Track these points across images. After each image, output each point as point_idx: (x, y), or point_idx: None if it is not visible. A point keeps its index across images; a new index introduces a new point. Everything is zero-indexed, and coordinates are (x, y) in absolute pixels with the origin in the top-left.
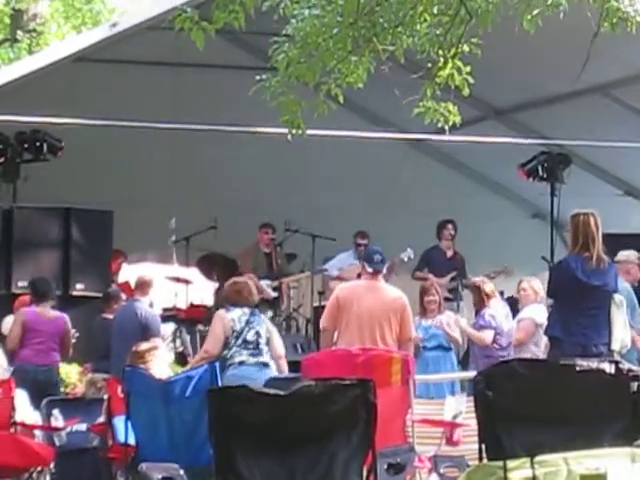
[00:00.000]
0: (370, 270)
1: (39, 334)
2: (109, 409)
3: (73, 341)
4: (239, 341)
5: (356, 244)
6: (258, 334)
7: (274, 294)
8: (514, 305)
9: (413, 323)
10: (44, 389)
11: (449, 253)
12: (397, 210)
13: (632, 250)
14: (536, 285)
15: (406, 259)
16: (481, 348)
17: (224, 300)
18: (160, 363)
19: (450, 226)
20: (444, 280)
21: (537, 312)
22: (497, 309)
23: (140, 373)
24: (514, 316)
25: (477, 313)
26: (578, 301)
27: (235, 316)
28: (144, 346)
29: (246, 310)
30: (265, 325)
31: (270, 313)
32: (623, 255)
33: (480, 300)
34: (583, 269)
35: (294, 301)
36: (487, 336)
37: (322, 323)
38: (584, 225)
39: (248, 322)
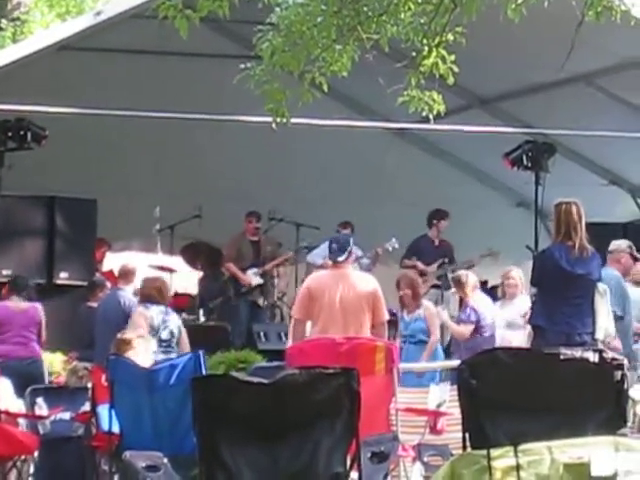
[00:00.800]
0: (339, 259)
1: (12, 327)
2: (93, 397)
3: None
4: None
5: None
6: (172, 333)
7: (260, 281)
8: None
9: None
10: (31, 381)
11: (437, 241)
12: (382, 199)
13: (624, 240)
14: (519, 276)
15: (391, 249)
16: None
17: (144, 297)
18: (144, 351)
19: (444, 219)
20: (432, 268)
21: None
22: (480, 301)
23: (124, 362)
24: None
25: (460, 306)
26: (562, 290)
27: (154, 314)
28: (129, 334)
29: (162, 309)
30: (177, 324)
31: (262, 300)
32: (614, 244)
33: (463, 295)
34: (567, 258)
35: (277, 290)
36: (465, 330)
37: (294, 314)
38: (567, 214)
39: (164, 321)
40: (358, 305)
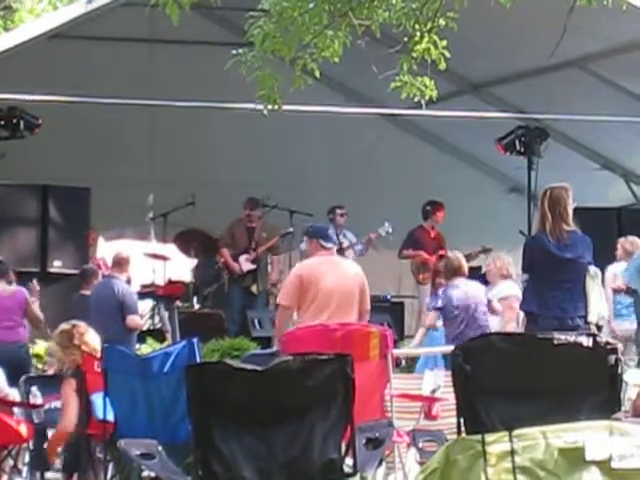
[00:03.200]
0: (329, 245)
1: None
2: (86, 386)
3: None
4: None
5: (337, 216)
6: None
7: (251, 266)
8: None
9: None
10: (18, 366)
11: (432, 233)
12: (374, 185)
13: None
14: (499, 262)
15: (384, 233)
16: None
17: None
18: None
19: (442, 210)
20: (432, 259)
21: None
22: (462, 287)
23: (118, 349)
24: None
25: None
26: (553, 275)
27: None
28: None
29: None
30: None
31: (256, 288)
32: None
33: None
34: (556, 243)
35: (271, 278)
36: (429, 318)
37: (283, 301)
38: (556, 199)
39: None
40: (350, 292)
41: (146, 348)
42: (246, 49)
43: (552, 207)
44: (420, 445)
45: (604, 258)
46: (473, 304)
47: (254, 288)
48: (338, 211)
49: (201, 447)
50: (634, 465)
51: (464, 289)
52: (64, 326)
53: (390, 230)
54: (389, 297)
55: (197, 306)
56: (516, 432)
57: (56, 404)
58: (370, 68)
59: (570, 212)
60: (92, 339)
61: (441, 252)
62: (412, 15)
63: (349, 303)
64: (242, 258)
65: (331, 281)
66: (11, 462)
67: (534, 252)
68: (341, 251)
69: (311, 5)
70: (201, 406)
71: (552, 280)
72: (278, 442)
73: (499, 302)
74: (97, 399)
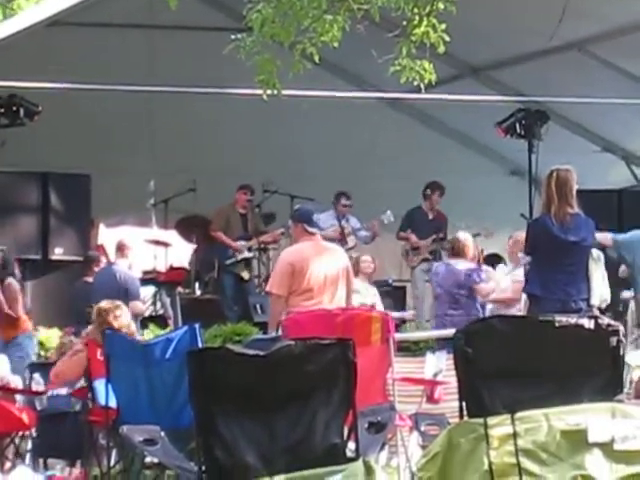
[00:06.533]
0: (312, 230)
1: None
2: (89, 372)
3: None
4: None
5: (340, 205)
6: None
7: (249, 254)
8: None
9: None
10: None
11: (431, 214)
12: (375, 169)
13: None
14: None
15: (386, 221)
16: None
17: None
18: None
19: (439, 192)
20: (425, 242)
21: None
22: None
23: (120, 336)
24: None
25: None
26: (556, 257)
27: None
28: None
29: None
30: None
31: (248, 274)
32: None
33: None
34: (559, 226)
35: (273, 262)
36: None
37: (274, 289)
38: (563, 181)
39: None
40: (337, 275)
41: (148, 334)
42: (245, 34)
43: (559, 189)
44: (422, 429)
45: None
46: (455, 286)
47: (245, 274)
48: (342, 201)
49: (203, 433)
50: (636, 447)
51: (452, 269)
52: (104, 304)
53: (392, 219)
54: (390, 281)
55: (199, 292)
56: (518, 415)
57: (58, 391)
58: (370, 52)
59: (574, 195)
60: (125, 317)
61: (435, 235)
62: None
63: (337, 287)
64: (239, 244)
65: (320, 266)
66: (14, 449)
67: (537, 234)
68: (343, 235)
69: None
70: (203, 391)
71: (555, 263)
72: (280, 427)
73: (514, 284)
74: (100, 385)
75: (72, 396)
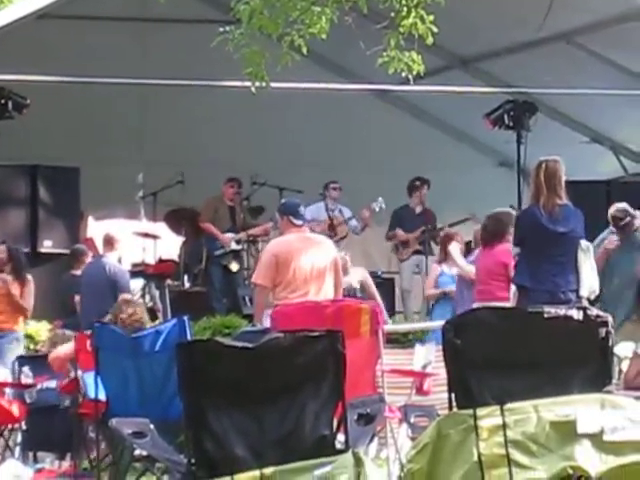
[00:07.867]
0: (298, 222)
1: None
2: (78, 365)
3: None
4: None
5: (329, 191)
6: None
7: (237, 247)
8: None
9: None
10: None
11: (418, 209)
12: (363, 161)
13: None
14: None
15: (377, 209)
16: None
17: None
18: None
19: (425, 187)
20: (414, 235)
21: None
22: None
23: (109, 328)
24: None
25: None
26: (544, 249)
27: None
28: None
29: None
30: None
31: (236, 266)
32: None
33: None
34: (548, 216)
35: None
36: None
37: (259, 280)
38: (552, 171)
39: None
40: (324, 267)
41: None
42: (234, 27)
43: (548, 180)
44: (412, 420)
45: (593, 231)
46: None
47: (233, 266)
48: (331, 185)
49: (193, 425)
50: (625, 437)
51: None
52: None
53: (383, 206)
54: (380, 273)
55: (188, 284)
56: (508, 406)
57: (48, 384)
58: (358, 44)
59: (563, 186)
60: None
61: (423, 228)
62: None
63: (324, 279)
64: (228, 236)
65: (305, 258)
66: (3, 442)
67: (526, 225)
68: (332, 226)
69: None
70: (192, 384)
71: (544, 254)
72: (269, 419)
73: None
74: (89, 378)
75: (61, 392)
